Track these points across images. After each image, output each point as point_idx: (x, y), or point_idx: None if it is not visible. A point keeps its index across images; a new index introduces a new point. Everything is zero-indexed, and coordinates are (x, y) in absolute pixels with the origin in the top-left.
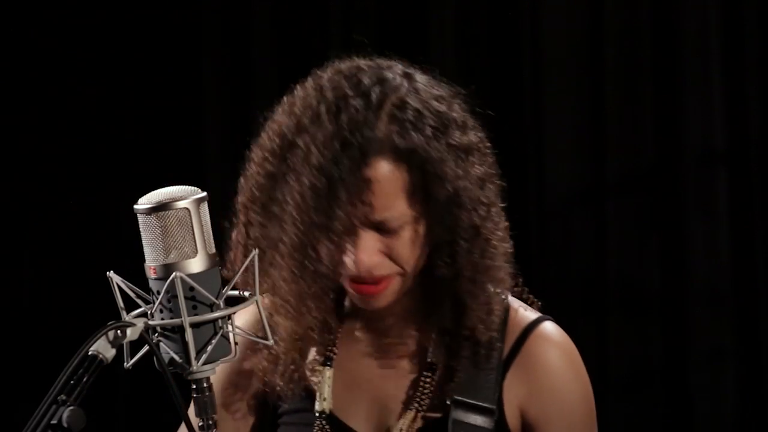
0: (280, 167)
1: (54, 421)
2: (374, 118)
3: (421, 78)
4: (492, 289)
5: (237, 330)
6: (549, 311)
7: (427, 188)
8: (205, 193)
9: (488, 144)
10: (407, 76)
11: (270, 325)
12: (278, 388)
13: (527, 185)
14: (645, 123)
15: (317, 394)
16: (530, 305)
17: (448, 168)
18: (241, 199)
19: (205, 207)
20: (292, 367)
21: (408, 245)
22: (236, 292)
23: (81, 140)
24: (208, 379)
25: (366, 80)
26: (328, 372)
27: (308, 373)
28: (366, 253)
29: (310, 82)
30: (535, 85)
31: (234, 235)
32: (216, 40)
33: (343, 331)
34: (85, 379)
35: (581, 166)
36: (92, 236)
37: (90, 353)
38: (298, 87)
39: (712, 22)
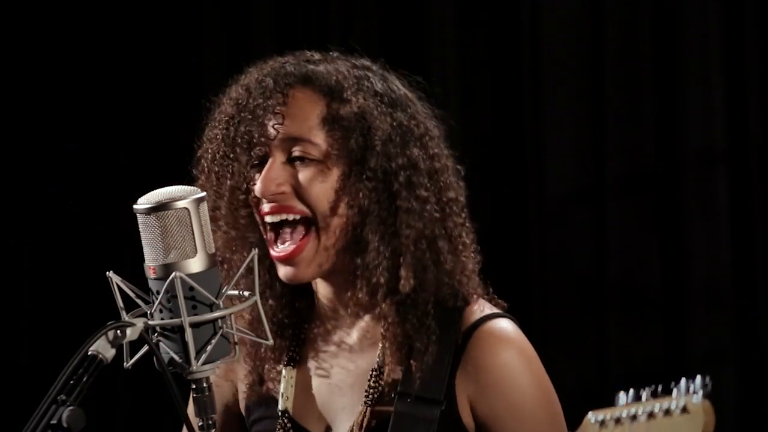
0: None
1: (54, 421)
2: (315, 64)
3: (391, 77)
4: (428, 297)
5: (237, 330)
6: (549, 311)
7: (345, 126)
8: (204, 193)
9: (440, 141)
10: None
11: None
12: (244, 395)
13: (527, 185)
14: (645, 123)
15: (280, 393)
16: (495, 305)
17: (373, 117)
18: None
19: (204, 207)
20: (255, 367)
21: (316, 182)
22: (236, 292)
23: (81, 140)
24: (207, 378)
25: (317, 55)
26: (291, 372)
27: (271, 378)
28: (273, 174)
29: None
30: (535, 85)
31: None
32: (216, 38)
33: (309, 335)
34: (85, 379)
35: (581, 166)
36: (92, 236)
37: (90, 353)
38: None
39: (712, 23)
